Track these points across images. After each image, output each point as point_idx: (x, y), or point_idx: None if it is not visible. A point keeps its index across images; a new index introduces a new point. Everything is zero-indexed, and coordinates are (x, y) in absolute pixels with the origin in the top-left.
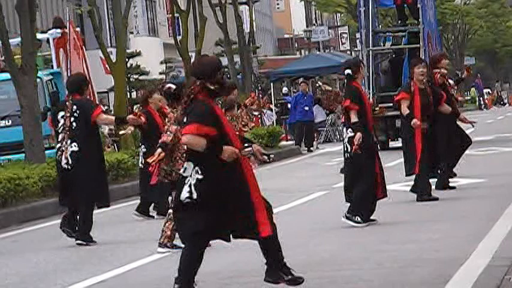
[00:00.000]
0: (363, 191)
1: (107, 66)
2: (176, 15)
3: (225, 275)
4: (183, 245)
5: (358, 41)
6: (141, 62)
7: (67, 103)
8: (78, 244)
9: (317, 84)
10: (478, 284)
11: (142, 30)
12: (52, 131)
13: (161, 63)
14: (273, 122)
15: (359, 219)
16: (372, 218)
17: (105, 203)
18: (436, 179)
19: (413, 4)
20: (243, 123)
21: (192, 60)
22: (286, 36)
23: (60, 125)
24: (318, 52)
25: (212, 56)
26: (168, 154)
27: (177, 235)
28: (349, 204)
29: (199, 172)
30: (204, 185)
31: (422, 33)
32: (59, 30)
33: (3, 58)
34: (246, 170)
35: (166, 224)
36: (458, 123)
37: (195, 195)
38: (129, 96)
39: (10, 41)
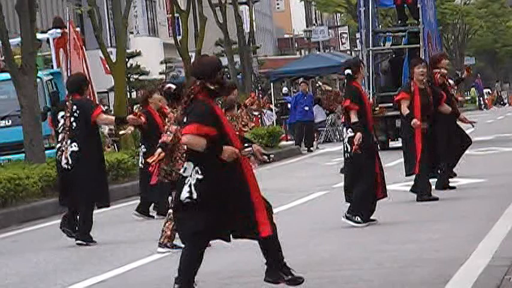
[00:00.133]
0: (363, 191)
1: (107, 66)
2: (176, 15)
3: (225, 275)
4: (183, 245)
5: (358, 41)
6: (141, 62)
7: (67, 103)
8: (78, 244)
9: (317, 84)
10: (478, 284)
11: (142, 30)
12: (52, 131)
13: (161, 63)
14: (273, 122)
15: (359, 219)
16: (372, 218)
17: (105, 203)
18: (436, 179)
19: (413, 4)
20: (243, 123)
21: (192, 60)
22: (286, 36)
23: (60, 125)
24: (318, 52)
25: (212, 56)
26: (168, 154)
27: (177, 235)
28: (349, 204)
29: (199, 172)
30: (204, 185)
31: (422, 33)
32: (59, 30)
33: (3, 58)
34: (246, 170)
35: (166, 224)
36: (458, 123)
37: (195, 195)
38: (129, 96)
39: (10, 41)
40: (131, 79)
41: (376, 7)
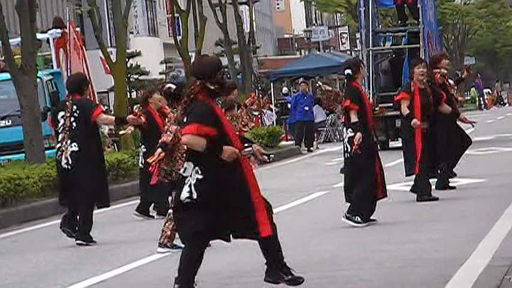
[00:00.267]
0: (363, 191)
1: (107, 66)
2: (176, 15)
3: (225, 275)
4: (183, 245)
5: (358, 41)
6: (141, 62)
7: (67, 103)
8: (78, 244)
9: (317, 84)
10: (478, 284)
11: (142, 30)
12: (52, 131)
13: (161, 63)
14: (273, 122)
15: (359, 219)
16: (372, 218)
17: (105, 203)
18: (436, 179)
19: (413, 4)
20: (243, 123)
21: (192, 60)
22: (286, 36)
23: (60, 125)
24: (318, 52)
25: (212, 56)
26: (168, 154)
27: (177, 235)
28: (349, 204)
29: (199, 172)
30: (204, 185)
31: (422, 33)
32: (59, 30)
33: (3, 58)
34: (246, 170)
35: (166, 224)
36: (458, 123)
37: (195, 195)
38: (129, 96)
39: (10, 41)
40: (131, 79)
41: (376, 7)
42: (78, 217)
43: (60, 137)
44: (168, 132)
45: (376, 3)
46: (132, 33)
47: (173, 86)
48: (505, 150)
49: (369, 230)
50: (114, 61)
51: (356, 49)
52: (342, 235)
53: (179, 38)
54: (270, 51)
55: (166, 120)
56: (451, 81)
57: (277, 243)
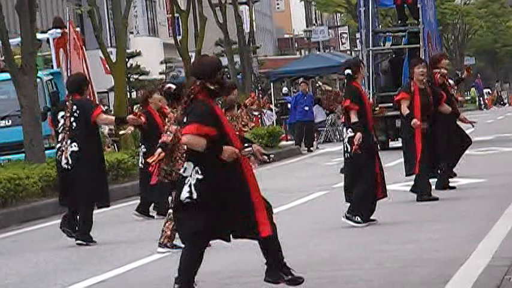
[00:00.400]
0: (363, 191)
1: (107, 66)
2: (176, 15)
3: (225, 275)
4: (183, 245)
5: (358, 41)
6: (141, 62)
7: (67, 103)
8: (78, 244)
9: (317, 84)
10: (478, 284)
11: (142, 30)
12: (52, 131)
13: (161, 63)
14: (273, 122)
15: (359, 219)
16: (372, 218)
17: (105, 203)
18: (436, 179)
19: (413, 4)
20: (243, 123)
21: (192, 60)
22: (286, 36)
23: (60, 125)
24: (318, 52)
25: (212, 56)
26: (168, 154)
27: (177, 235)
28: (349, 204)
29: (199, 172)
30: (204, 185)
31: (422, 33)
32: (59, 30)
33: (3, 58)
34: (246, 170)
35: (166, 224)
36: (458, 123)
37: (195, 195)
38: (129, 96)
39: (10, 41)
40: (131, 79)
41: (376, 7)
42: (78, 217)
43: (60, 137)
44: (168, 132)
45: (376, 3)
46: (132, 33)
47: (173, 86)
48: (505, 150)
49: (369, 230)
50: (114, 61)
51: (356, 49)
52: (342, 235)
53: (179, 38)
54: (270, 51)
55: (166, 120)
56: (451, 81)
57: (277, 243)
